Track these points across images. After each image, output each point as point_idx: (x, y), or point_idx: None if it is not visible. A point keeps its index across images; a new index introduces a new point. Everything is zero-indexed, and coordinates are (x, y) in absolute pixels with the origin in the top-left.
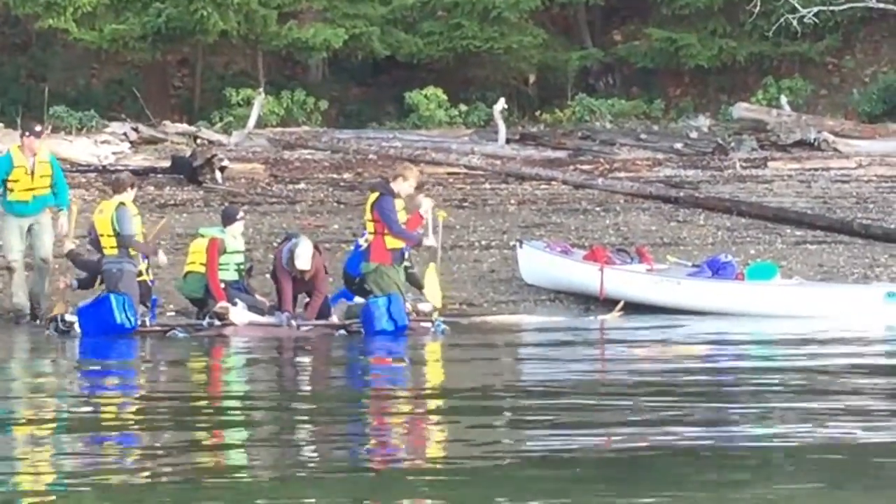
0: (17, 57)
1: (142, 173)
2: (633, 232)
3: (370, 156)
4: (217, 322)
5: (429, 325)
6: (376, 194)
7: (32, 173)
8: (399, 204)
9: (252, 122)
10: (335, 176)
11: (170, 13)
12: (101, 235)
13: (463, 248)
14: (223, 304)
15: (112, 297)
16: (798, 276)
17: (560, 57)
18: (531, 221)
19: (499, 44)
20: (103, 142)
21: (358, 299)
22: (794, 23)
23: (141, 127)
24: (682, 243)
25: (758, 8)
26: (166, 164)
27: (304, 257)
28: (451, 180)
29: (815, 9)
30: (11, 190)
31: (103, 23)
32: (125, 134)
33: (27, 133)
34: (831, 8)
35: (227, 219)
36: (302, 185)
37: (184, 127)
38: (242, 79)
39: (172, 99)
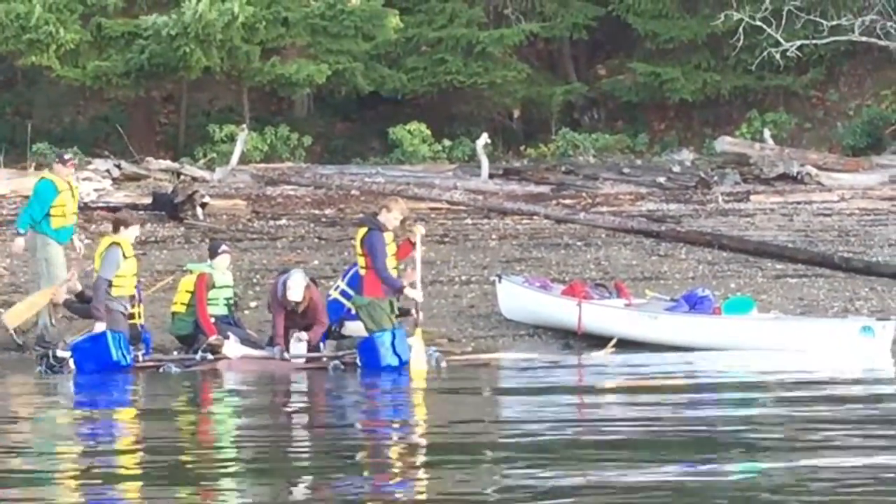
0: (2, 94)
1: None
2: (615, 266)
3: (353, 191)
4: (210, 356)
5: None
6: (365, 229)
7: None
8: (388, 237)
9: (235, 158)
10: (317, 212)
11: (153, 50)
12: (94, 269)
13: (443, 283)
14: (216, 337)
15: (108, 333)
16: (778, 309)
17: (544, 92)
18: (512, 256)
19: (483, 79)
20: (85, 178)
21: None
22: (778, 56)
23: (124, 163)
24: (663, 277)
25: (741, 42)
26: (148, 200)
27: (295, 289)
28: (433, 215)
29: (798, 42)
30: (57, 216)
31: (86, 60)
32: (108, 171)
33: (59, 161)
34: (815, 42)
35: (212, 253)
36: (283, 221)
37: (167, 163)
38: (228, 115)
39: (158, 135)
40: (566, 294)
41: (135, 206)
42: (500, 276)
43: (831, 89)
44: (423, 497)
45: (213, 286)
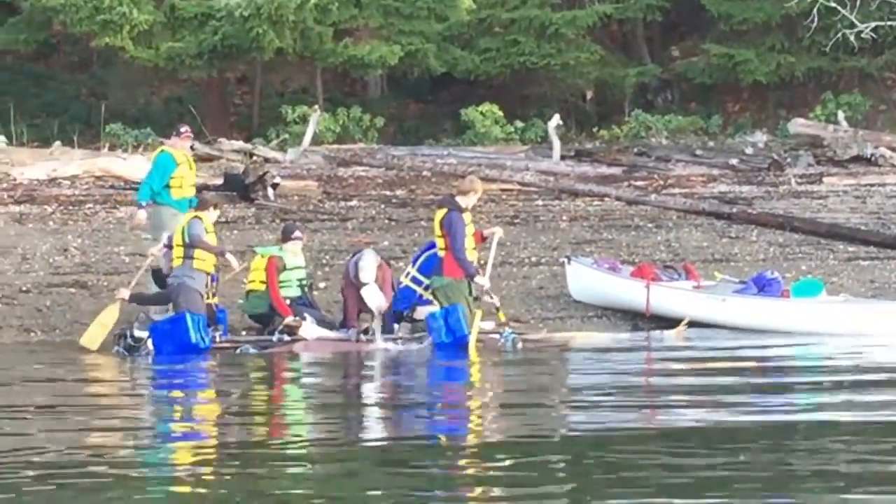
0: (77, 75)
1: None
2: (685, 248)
3: (424, 172)
4: (287, 337)
5: (497, 336)
6: (444, 210)
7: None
8: (467, 217)
9: (307, 139)
10: (388, 193)
11: (226, 31)
12: (175, 245)
13: (512, 264)
14: (294, 318)
15: (188, 315)
16: (849, 292)
17: (617, 73)
18: (582, 238)
19: (556, 60)
20: None
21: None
22: (852, 38)
23: (196, 144)
24: (734, 259)
25: (815, 23)
26: (219, 181)
27: (367, 269)
28: (503, 197)
29: (873, 23)
30: (176, 187)
31: (160, 41)
32: None
33: (175, 133)
34: (889, 23)
35: (284, 236)
36: (354, 202)
37: (239, 144)
38: (301, 96)
39: (232, 116)
40: (635, 276)
41: (206, 187)
42: (569, 258)
43: None
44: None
45: (284, 268)
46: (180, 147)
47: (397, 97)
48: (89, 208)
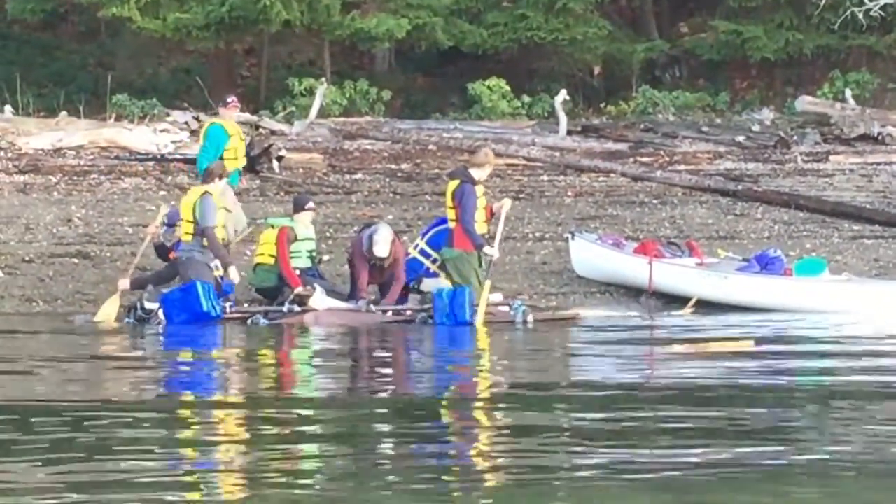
0: (85, 45)
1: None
2: (690, 225)
3: (430, 146)
4: (297, 308)
5: (506, 308)
6: (457, 182)
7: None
8: (479, 190)
9: (314, 111)
10: (393, 166)
11: (233, 2)
12: (182, 220)
13: (516, 239)
14: (306, 287)
15: (199, 283)
16: (852, 270)
17: (626, 49)
18: (587, 213)
19: (564, 35)
20: (162, 130)
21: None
22: (861, 16)
23: (203, 116)
24: (739, 237)
25: (824, 1)
26: None
27: (382, 244)
28: (509, 171)
29: (882, 1)
30: (230, 159)
31: (167, 11)
32: (186, 122)
33: (223, 104)
34: None
35: (297, 207)
36: (359, 176)
37: (246, 116)
38: (309, 68)
39: (239, 88)
40: (638, 252)
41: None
42: (572, 234)
43: None
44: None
45: (295, 239)
46: (229, 117)
47: (405, 71)
48: (94, 179)
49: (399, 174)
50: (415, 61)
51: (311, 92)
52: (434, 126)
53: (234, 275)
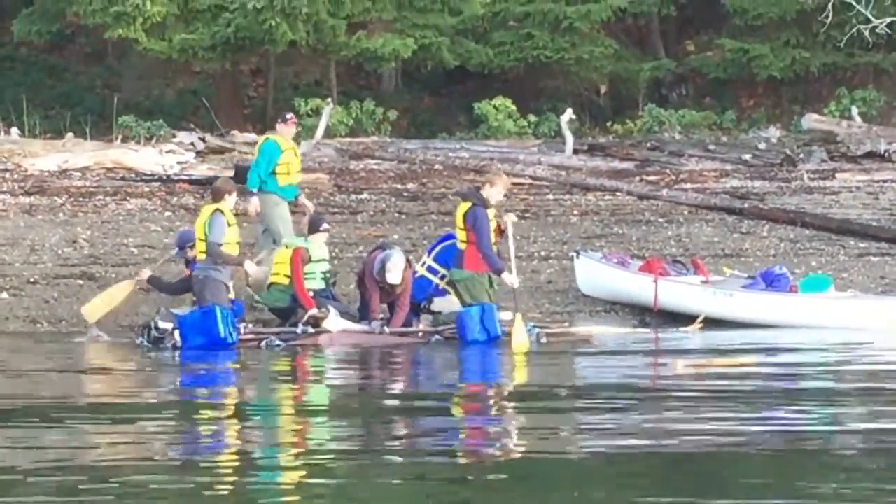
0: (92, 67)
1: (205, 182)
2: (695, 243)
3: (436, 166)
4: (311, 329)
5: None
6: (468, 204)
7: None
8: (491, 213)
9: (320, 131)
10: (399, 186)
11: (239, 23)
12: (199, 240)
13: (522, 258)
14: (322, 309)
15: (218, 310)
16: (858, 288)
17: (632, 68)
18: (592, 232)
19: (570, 54)
20: (168, 151)
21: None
22: (867, 33)
23: (209, 137)
24: (744, 255)
25: (830, 18)
26: (230, 173)
27: (395, 272)
28: (515, 191)
29: (889, 19)
30: (282, 174)
31: (173, 33)
32: (192, 143)
33: (281, 121)
34: None
35: (312, 227)
36: (365, 195)
37: (251, 136)
38: (316, 89)
39: (246, 109)
40: (643, 270)
41: (217, 179)
42: (577, 252)
43: None
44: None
45: (310, 260)
46: (287, 134)
47: (411, 90)
48: (99, 200)
49: (405, 194)
50: (421, 81)
51: (317, 112)
52: (440, 146)
53: (251, 268)
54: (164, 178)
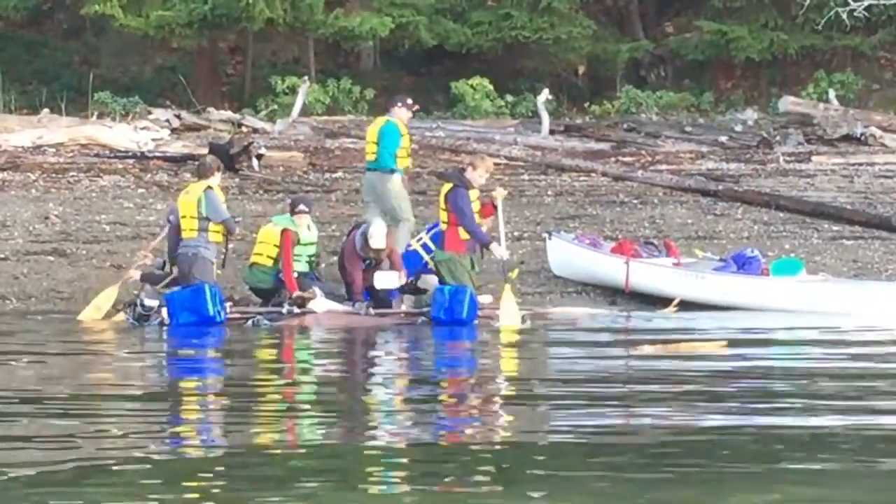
0: (70, 43)
1: (180, 160)
2: (669, 225)
3: (412, 145)
4: (296, 310)
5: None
6: (450, 185)
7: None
8: (473, 194)
9: (296, 110)
10: None
11: (216, 0)
12: (184, 217)
13: (496, 238)
14: (302, 292)
15: (207, 287)
16: (831, 271)
17: (610, 48)
18: (566, 213)
19: (548, 34)
20: (143, 128)
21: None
22: (845, 16)
23: (184, 114)
24: (718, 237)
25: (808, 1)
26: (204, 151)
27: (377, 236)
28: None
29: (867, 2)
30: (402, 157)
31: (150, 9)
32: (167, 120)
33: (402, 105)
34: (883, 2)
35: (293, 208)
36: (339, 174)
37: (227, 114)
38: (294, 67)
39: (224, 86)
40: (615, 252)
41: (191, 157)
42: (550, 233)
43: None
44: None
45: (299, 242)
46: (405, 118)
47: (390, 69)
48: (72, 176)
49: None
50: (400, 60)
51: (293, 90)
52: (416, 125)
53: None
54: (139, 154)
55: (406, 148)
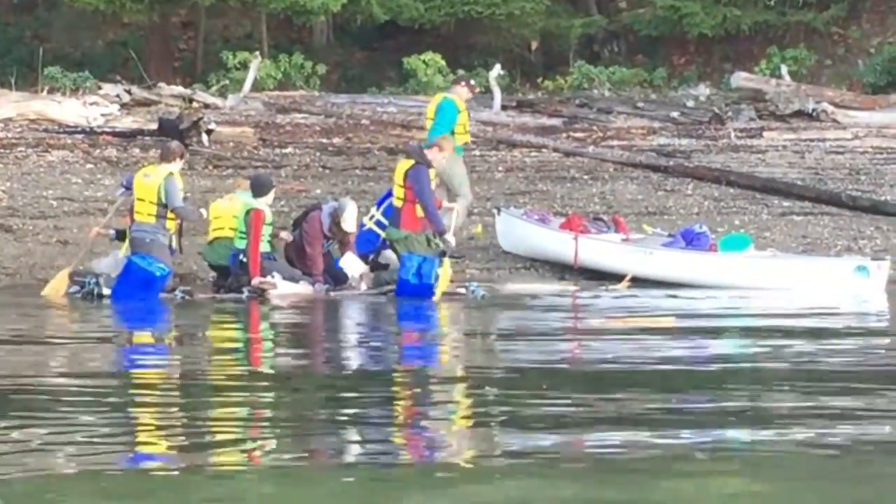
0: (21, 17)
1: (129, 135)
2: (619, 201)
3: (363, 121)
4: (256, 296)
5: (463, 290)
6: (411, 162)
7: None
8: (432, 173)
9: (248, 85)
10: (324, 140)
11: None
12: (141, 200)
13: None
14: (265, 280)
15: (134, 258)
16: (780, 247)
17: (563, 24)
18: (517, 189)
19: (501, 10)
20: (92, 103)
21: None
22: None
23: (135, 89)
24: (668, 213)
25: None
26: (154, 126)
27: (350, 220)
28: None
29: None
30: (460, 133)
31: None
32: (118, 95)
33: (464, 83)
34: None
35: (263, 188)
36: (290, 150)
37: (178, 89)
38: (247, 42)
39: (177, 62)
40: (564, 228)
41: (141, 132)
42: (499, 209)
43: (853, 26)
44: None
45: (264, 223)
46: (464, 96)
47: (343, 45)
48: (20, 151)
49: (330, 148)
50: (353, 35)
51: (245, 66)
52: (368, 100)
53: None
54: (87, 130)
55: (464, 124)
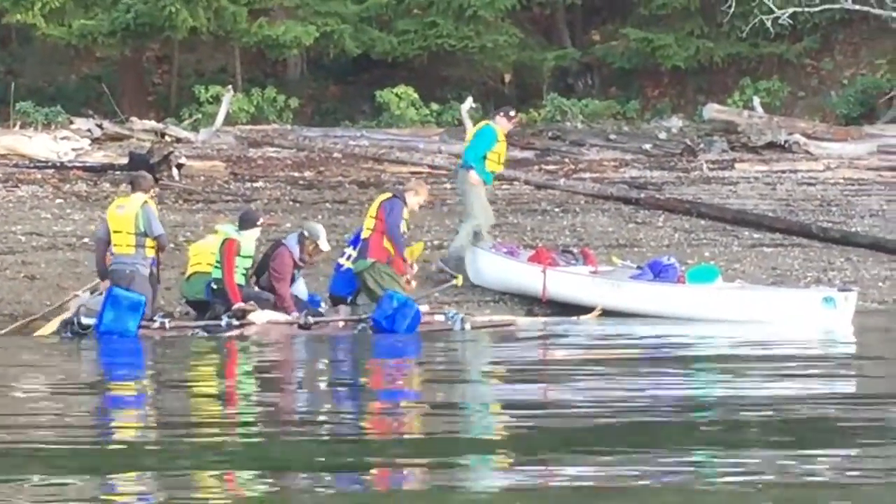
0: None
1: (99, 170)
2: (590, 233)
3: (335, 154)
4: (236, 322)
5: (442, 318)
6: (389, 195)
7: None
8: (405, 213)
9: (220, 119)
10: (295, 174)
11: (139, 9)
12: (118, 232)
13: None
14: (243, 304)
15: (116, 289)
16: (750, 279)
17: (537, 56)
18: None
19: (474, 43)
20: (63, 137)
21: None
22: (769, 24)
23: (106, 123)
24: (638, 245)
25: (733, 9)
26: (125, 161)
27: (324, 240)
28: (412, 180)
29: (791, 10)
30: (492, 161)
31: (72, 18)
32: (89, 130)
33: (504, 115)
34: (807, 9)
35: (247, 223)
36: (260, 183)
37: (151, 124)
38: (221, 76)
39: (150, 96)
40: (532, 261)
41: (111, 167)
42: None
43: (826, 58)
44: None
45: (239, 254)
46: (505, 127)
47: (317, 78)
48: None
49: (300, 182)
50: (327, 69)
51: (218, 99)
52: (340, 133)
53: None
54: (58, 164)
55: (500, 154)
